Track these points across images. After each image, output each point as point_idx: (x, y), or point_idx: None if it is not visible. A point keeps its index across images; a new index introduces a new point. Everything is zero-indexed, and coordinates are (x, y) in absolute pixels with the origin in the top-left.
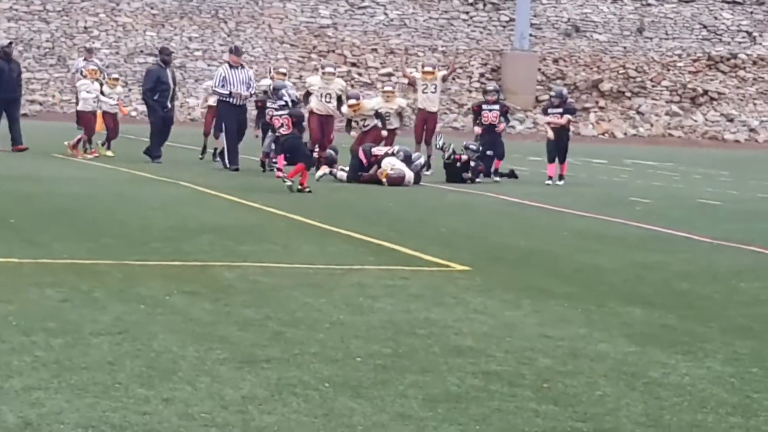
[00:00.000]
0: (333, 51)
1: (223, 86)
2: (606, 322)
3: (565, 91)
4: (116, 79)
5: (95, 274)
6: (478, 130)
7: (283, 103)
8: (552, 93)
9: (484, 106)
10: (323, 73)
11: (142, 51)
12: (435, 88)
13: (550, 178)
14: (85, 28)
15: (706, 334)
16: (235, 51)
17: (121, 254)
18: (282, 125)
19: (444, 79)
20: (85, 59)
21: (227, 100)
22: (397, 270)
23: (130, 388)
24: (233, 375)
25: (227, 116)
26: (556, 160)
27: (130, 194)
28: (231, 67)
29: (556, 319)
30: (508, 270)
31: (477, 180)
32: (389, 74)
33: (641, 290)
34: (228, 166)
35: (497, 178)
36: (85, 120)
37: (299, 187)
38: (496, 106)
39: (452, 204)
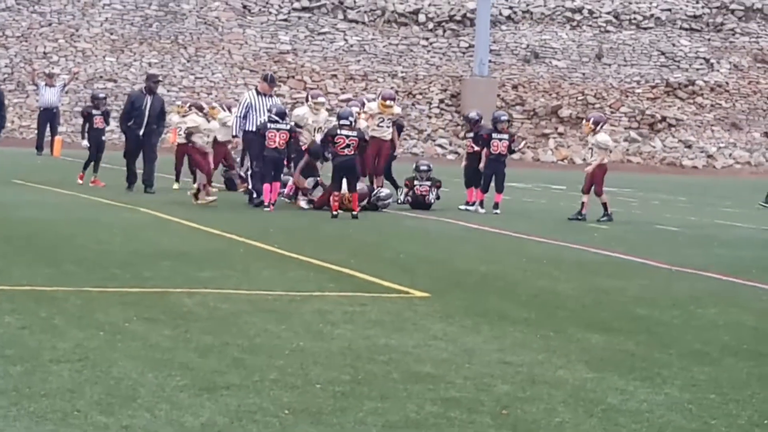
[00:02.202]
0: (293, 77)
1: (245, 115)
2: (564, 347)
3: (473, 114)
4: (181, 107)
5: (54, 301)
6: (485, 153)
7: (348, 122)
8: (462, 119)
9: (494, 135)
10: (314, 104)
11: (101, 77)
12: (390, 123)
13: (470, 203)
14: (45, 53)
15: (664, 359)
16: (270, 80)
17: (81, 280)
18: (348, 146)
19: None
20: (46, 84)
21: (251, 129)
22: (357, 296)
23: (90, 415)
24: (193, 402)
25: (253, 147)
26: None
27: (90, 220)
28: (258, 94)
29: (515, 344)
30: (467, 296)
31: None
32: (348, 99)
33: (600, 316)
34: (253, 201)
35: (497, 211)
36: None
37: (353, 212)
38: (506, 136)
39: (411, 230)
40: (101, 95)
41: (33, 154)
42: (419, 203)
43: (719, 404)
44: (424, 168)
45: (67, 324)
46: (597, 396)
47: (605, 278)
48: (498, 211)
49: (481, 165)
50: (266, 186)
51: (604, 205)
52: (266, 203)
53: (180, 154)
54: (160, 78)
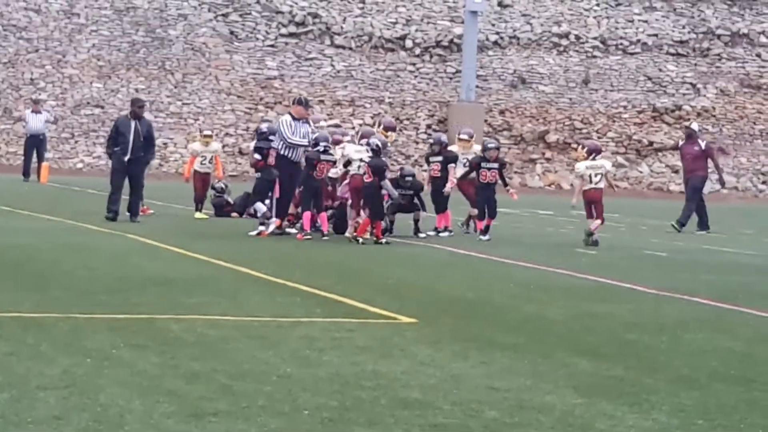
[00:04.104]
0: (280, 102)
1: (292, 135)
2: (553, 373)
3: (443, 137)
4: (209, 136)
5: (41, 327)
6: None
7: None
8: (431, 140)
9: (484, 164)
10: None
11: (88, 103)
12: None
13: (437, 229)
14: (32, 79)
15: (652, 385)
16: (306, 103)
17: (68, 307)
18: (364, 173)
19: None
20: (32, 111)
21: (286, 154)
22: (345, 322)
23: None
24: (180, 429)
25: (285, 173)
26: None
27: (77, 246)
28: (294, 119)
29: (503, 370)
30: (455, 321)
31: (422, 234)
32: (336, 125)
33: (588, 341)
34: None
35: (484, 237)
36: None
37: (375, 239)
38: (496, 165)
39: (399, 255)
40: None
41: (20, 181)
42: (403, 209)
43: (707, 430)
44: (409, 178)
45: (55, 350)
46: (585, 421)
47: (593, 303)
48: (485, 237)
49: (446, 188)
50: (307, 214)
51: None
52: (307, 231)
53: (199, 183)
54: (146, 102)
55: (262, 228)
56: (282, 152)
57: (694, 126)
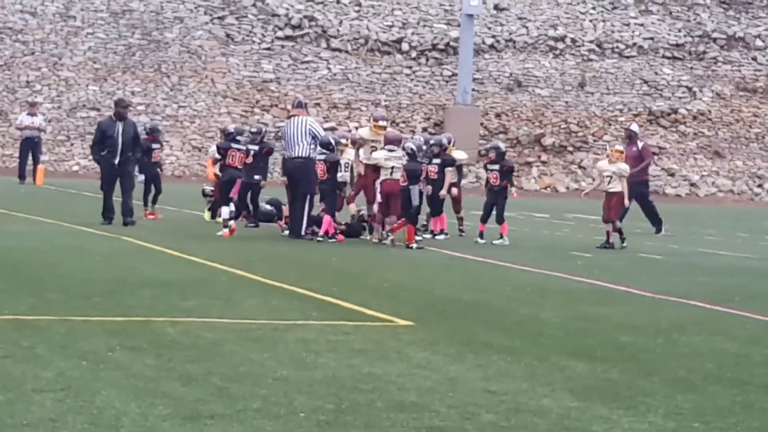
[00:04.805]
0: (276, 105)
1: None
2: (549, 376)
3: (444, 140)
4: None
5: (37, 330)
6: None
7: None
8: (432, 141)
9: (488, 165)
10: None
11: (84, 105)
12: None
13: (432, 232)
14: (28, 82)
15: (648, 388)
16: (305, 106)
17: (63, 309)
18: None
19: None
20: (28, 113)
21: (313, 157)
22: (341, 325)
23: None
24: (176, 431)
25: (313, 173)
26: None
27: (73, 249)
28: None
29: (499, 373)
30: (451, 324)
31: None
32: (332, 128)
33: (584, 344)
34: (304, 234)
35: (482, 240)
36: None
37: (407, 244)
38: (496, 166)
39: (395, 258)
40: (159, 127)
41: (15, 183)
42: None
43: None
44: (439, 142)
45: (50, 353)
46: (581, 425)
47: (589, 306)
48: (500, 241)
49: (442, 192)
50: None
51: (608, 233)
52: (321, 234)
53: (217, 186)
54: (129, 102)
55: (225, 229)
56: (312, 155)
57: (634, 127)
